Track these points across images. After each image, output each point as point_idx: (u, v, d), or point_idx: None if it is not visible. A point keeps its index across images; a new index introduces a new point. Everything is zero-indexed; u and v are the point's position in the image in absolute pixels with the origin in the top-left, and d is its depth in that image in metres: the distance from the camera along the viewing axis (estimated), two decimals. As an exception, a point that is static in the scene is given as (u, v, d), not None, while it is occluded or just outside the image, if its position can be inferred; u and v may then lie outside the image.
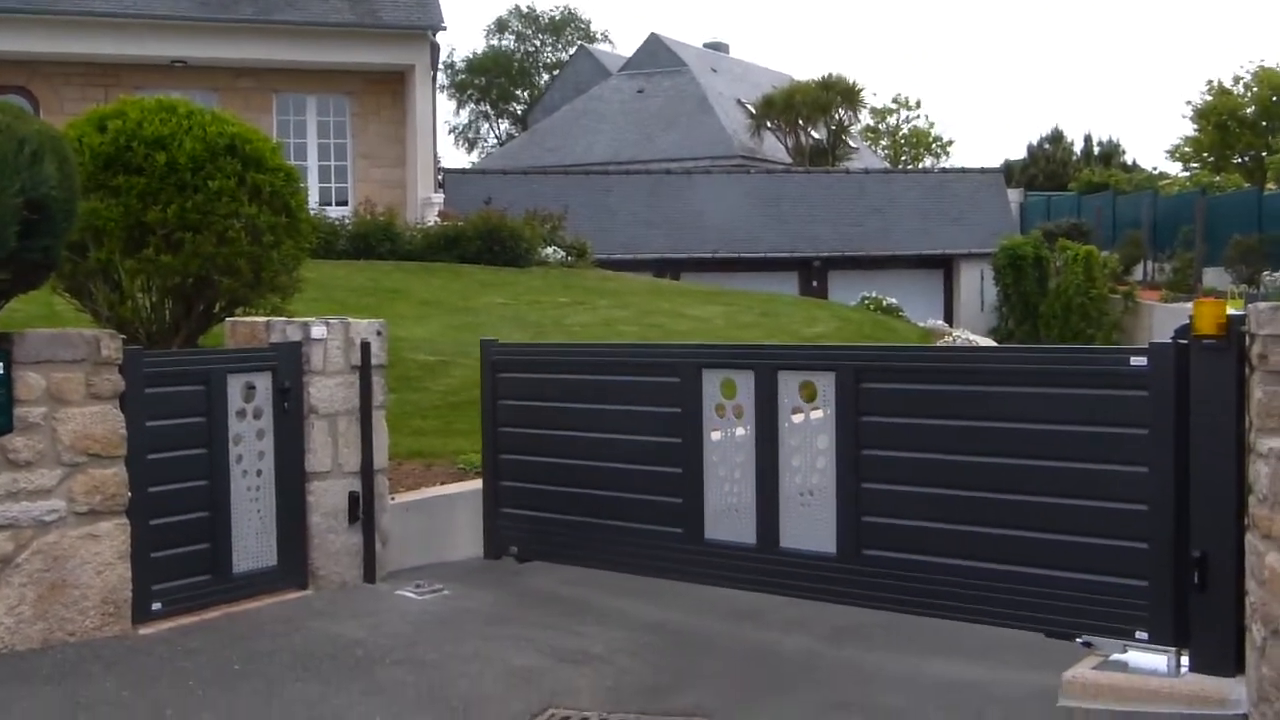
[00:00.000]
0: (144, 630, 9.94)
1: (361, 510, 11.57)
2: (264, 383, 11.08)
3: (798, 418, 10.40)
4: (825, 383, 10.14)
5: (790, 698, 8.73)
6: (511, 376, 12.47)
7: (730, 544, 10.73)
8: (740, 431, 10.68)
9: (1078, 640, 8.90)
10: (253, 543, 10.96)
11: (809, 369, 10.40)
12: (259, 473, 11.03)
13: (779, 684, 9.04)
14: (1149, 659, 8.52)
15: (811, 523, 10.22)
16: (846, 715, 8.32)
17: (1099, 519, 8.79)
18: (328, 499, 11.42)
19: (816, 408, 10.27)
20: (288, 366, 11.20)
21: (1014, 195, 53.19)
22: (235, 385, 10.86)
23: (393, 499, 12.17)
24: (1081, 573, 8.85)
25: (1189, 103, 72.87)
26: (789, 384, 10.39)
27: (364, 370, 11.62)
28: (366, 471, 11.65)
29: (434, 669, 9.21)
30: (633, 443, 11.41)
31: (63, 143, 10.56)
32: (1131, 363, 8.64)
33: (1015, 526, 9.20)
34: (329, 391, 11.43)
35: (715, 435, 10.86)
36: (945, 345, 22.50)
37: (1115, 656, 8.69)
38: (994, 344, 29.47)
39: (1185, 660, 8.38)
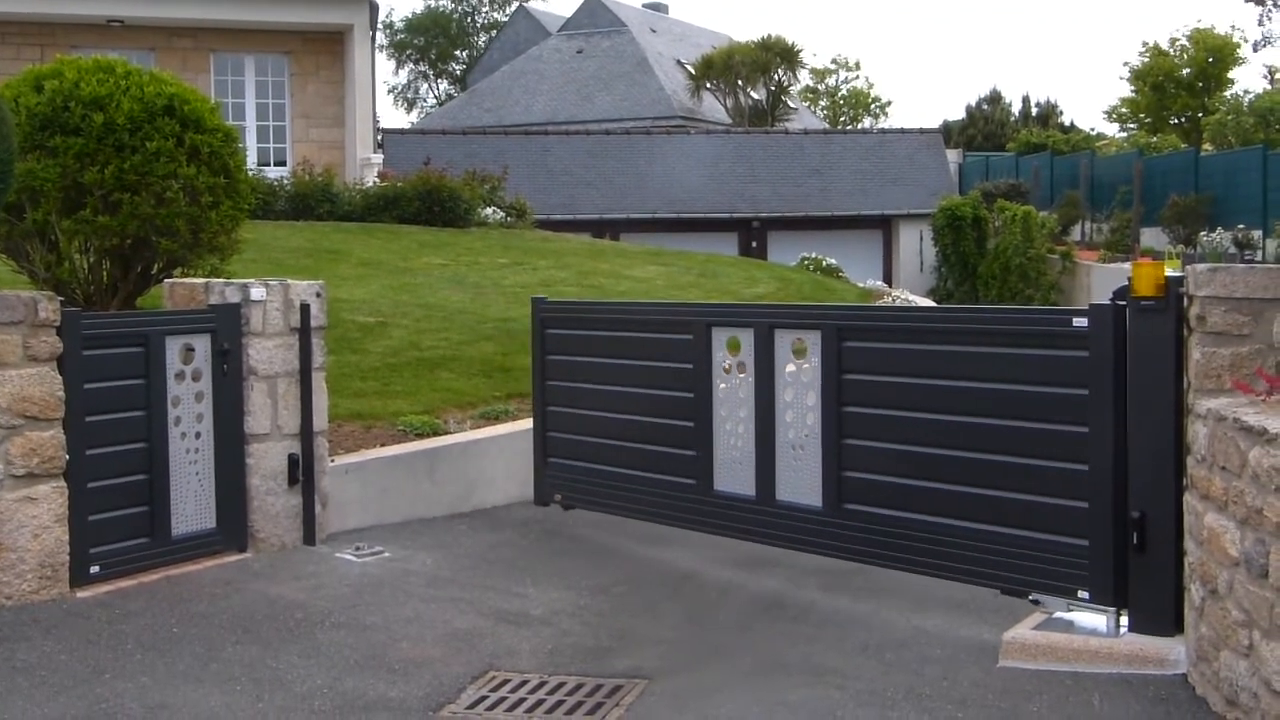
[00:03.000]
0: (82, 594, 9.88)
1: (301, 472, 11.55)
2: (203, 344, 11.01)
3: (790, 371, 10.55)
4: (813, 341, 10.31)
5: (730, 659, 8.76)
6: (556, 332, 12.74)
7: (735, 495, 10.94)
8: (743, 388, 10.87)
9: (1029, 598, 8.96)
10: (191, 505, 10.91)
11: (800, 327, 10.57)
12: (198, 435, 10.97)
13: (720, 645, 9.06)
14: (1090, 619, 8.58)
15: (802, 477, 10.40)
16: (784, 676, 8.34)
17: (1045, 478, 8.84)
18: (267, 461, 11.38)
19: (806, 364, 10.42)
20: (227, 328, 11.14)
21: (952, 156, 53.28)
22: (174, 347, 10.79)
23: (333, 461, 12.14)
24: (1029, 531, 8.92)
25: (1126, 64, 73.25)
26: (784, 342, 10.59)
27: (303, 332, 11.57)
28: (306, 433, 11.61)
29: (374, 631, 9.21)
30: (655, 397, 11.67)
31: (-2, 102, 10.47)
32: (1074, 323, 8.68)
33: (970, 484, 9.27)
34: (268, 353, 11.38)
35: (722, 391, 11.08)
36: (885, 305, 22.55)
37: (1058, 615, 8.75)
38: (933, 304, 29.54)
39: (1125, 620, 8.44)
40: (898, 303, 24.69)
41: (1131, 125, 70.02)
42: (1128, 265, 9.47)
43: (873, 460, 9.92)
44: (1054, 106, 77.04)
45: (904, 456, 9.71)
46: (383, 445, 13.00)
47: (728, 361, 11.06)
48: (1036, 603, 8.91)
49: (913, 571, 9.72)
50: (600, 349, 12.29)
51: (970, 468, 9.27)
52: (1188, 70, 66.18)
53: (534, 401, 13.03)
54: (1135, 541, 8.28)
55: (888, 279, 41.12)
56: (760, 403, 10.67)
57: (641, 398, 11.78)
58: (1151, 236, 39.60)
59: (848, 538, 10.06)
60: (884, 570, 10.09)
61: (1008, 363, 9.07)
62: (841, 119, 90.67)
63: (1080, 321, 8.63)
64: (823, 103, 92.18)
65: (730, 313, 12.07)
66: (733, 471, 10.96)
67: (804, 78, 77.61)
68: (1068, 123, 74.50)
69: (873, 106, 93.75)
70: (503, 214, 29.61)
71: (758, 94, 60.69)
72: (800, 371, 10.46)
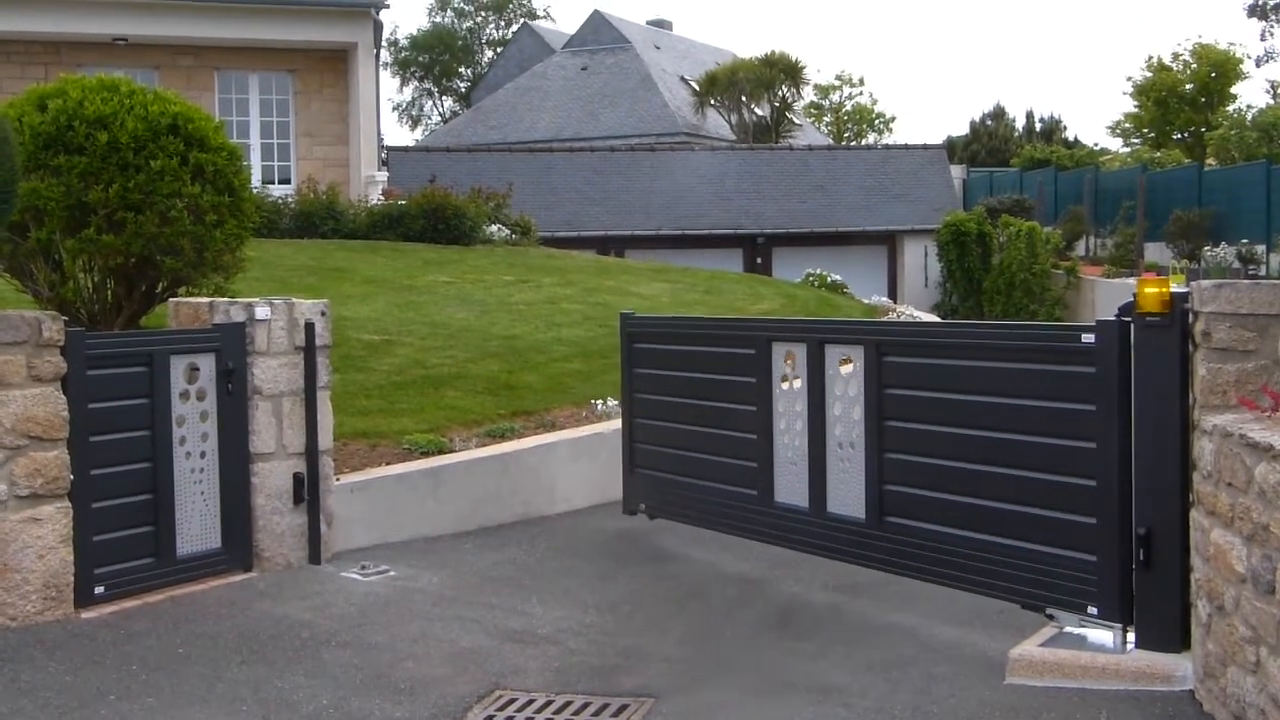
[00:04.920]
0: (87, 614, 9.87)
1: (306, 491, 11.53)
2: (207, 364, 11.01)
3: (839, 386, 10.63)
4: (856, 356, 10.44)
5: (737, 676, 8.74)
6: (642, 347, 12.99)
7: (792, 507, 11.06)
8: (798, 402, 10.99)
9: (1045, 613, 8.96)
10: (196, 525, 10.90)
11: (846, 342, 10.70)
12: (203, 454, 10.97)
13: (728, 662, 9.05)
14: (1098, 635, 8.58)
15: (849, 489, 10.51)
16: (791, 695, 8.32)
17: (1057, 493, 8.87)
18: (272, 480, 11.37)
19: (852, 379, 10.51)
20: (231, 347, 11.14)
21: (957, 171, 53.28)
22: (178, 366, 10.78)
23: (338, 480, 12.12)
24: (1044, 546, 8.94)
25: (1129, 79, 72.81)
26: (833, 357, 10.71)
27: (308, 351, 11.57)
28: (311, 452, 11.60)
29: (380, 651, 9.19)
30: (723, 409, 11.84)
31: (2, 122, 10.47)
32: (1083, 339, 8.68)
33: (991, 498, 9.33)
34: (273, 372, 11.37)
35: (781, 405, 11.20)
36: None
37: (1068, 631, 8.75)
38: (938, 320, 29.52)
39: (1132, 636, 8.42)
40: (903, 319, 24.66)
41: (1135, 140, 69.93)
42: (1132, 281, 9.50)
43: (908, 473, 10.02)
44: (1058, 122, 77.16)
45: (935, 470, 9.79)
46: (388, 464, 12.99)
47: (785, 375, 11.19)
48: (1052, 618, 8.91)
49: (943, 584, 9.79)
50: (676, 363, 12.53)
51: (990, 482, 9.33)
52: (1191, 85, 66.11)
53: (622, 413, 13.33)
54: (1141, 558, 8.27)
55: (892, 295, 41.11)
56: (812, 416, 10.80)
57: (711, 410, 11.99)
58: (1155, 251, 39.57)
59: (887, 550, 10.15)
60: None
61: (1024, 378, 9.12)
62: (845, 135, 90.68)
63: (1088, 338, 8.62)
64: (827, 119, 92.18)
65: (786, 327, 12.34)
66: (790, 484, 11.08)
67: (808, 94, 77.47)
68: (1071, 138, 74.55)
69: (877, 122, 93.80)
70: (508, 231, 29.62)
71: (762, 110, 60.71)
72: (846, 385, 10.54)
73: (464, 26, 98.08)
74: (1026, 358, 9.12)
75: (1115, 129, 72.77)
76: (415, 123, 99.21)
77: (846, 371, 10.53)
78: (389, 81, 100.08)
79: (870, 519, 10.25)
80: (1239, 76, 65.74)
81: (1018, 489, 9.12)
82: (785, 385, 11.19)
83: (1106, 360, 8.49)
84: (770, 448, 11.24)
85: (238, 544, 11.16)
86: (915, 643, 9.25)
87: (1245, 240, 35.47)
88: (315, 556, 11.58)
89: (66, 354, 9.84)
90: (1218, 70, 65.04)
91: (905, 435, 10.02)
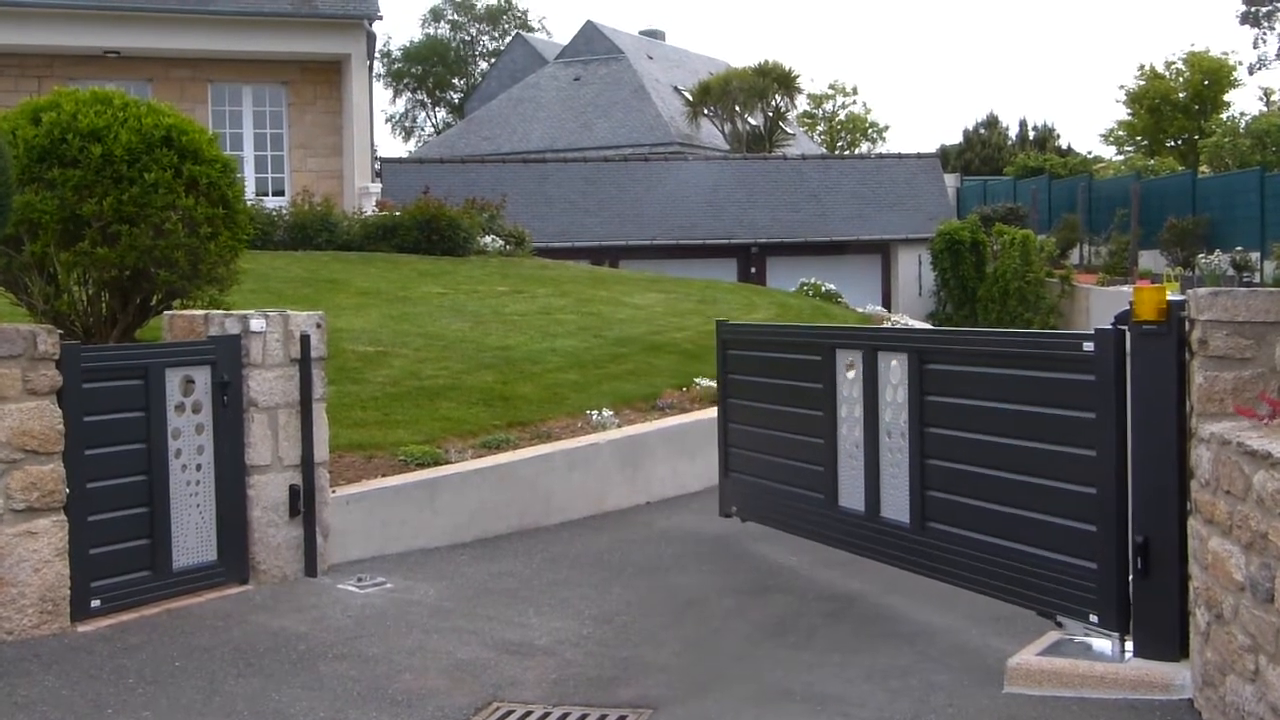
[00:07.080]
0: (83, 628, 9.84)
1: (302, 504, 11.52)
2: (203, 376, 11.00)
3: (889, 392, 10.70)
4: (901, 363, 10.51)
5: (735, 686, 8.72)
6: (734, 354, 13.24)
7: (853, 511, 11.18)
8: (857, 408, 11.10)
9: (1055, 619, 8.97)
10: (192, 538, 10.88)
11: (895, 350, 10.76)
12: (198, 467, 10.94)
13: (725, 672, 9.03)
14: (1097, 643, 8.56)
15: (898, 495, 10.59)
16: (789, 704, 8.31)
17: (1063, 501, 8.87)
18: (268, 493, 11.35)
19: (901, 386, 10.56)
20: (227, 360, 11.12)
21: (950, 180, 53.29)
22: (174, 379, 10.77)
23: (334, 492, 12.11)
24: (1052, 553, 8.95)
25: (1122, 87, 73.44)
26: (885, 364, 10.76)
27: (303, 363, 11.55)
28: (307, 465, 11.59)
29: (377, 663, 9.17)
30: (797, 415, 12.00)
31: (-5, 136, 10.45)
32: (1084, 347, 8.68)
33: (1008, 504, 9.35)
34: (268, 384, 11.36)
35: (843, 410, 11.31)
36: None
37: (1068, 639, 8.75)
38: (931, 328, 29.51)
39: (1131, 644, 8.41)
40: (897, 328, 24.65)
41: (1128, 148, 70.14)
42: (1126, 288, 9.52)
43: (942, 479, 10.08)
44: (1051, 130, 77.16)
45: (963, 476, 9.85)
46: (384, 476, 12.98)
47: (847, 381, 11.26)
48: (1060, 625, 8.91)
49: (968, 589, 9.84)
50: (758, 369, 12.75)
51: (1007, 488, 9.38)
52: (1184, 93, 66.29)
53: (718, 418, 13.60)
54: (1139, 566, 8.25)
55: (886, 303, 41.06)
56: (868, 421, 10.90)
57: (787, 415, 12.16)
58: (1150, 259, 39.60)
59: (925, 554, 10.24)
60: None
61: (1033, 385, 9.15)
62: (839, 144, 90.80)
63: (1088, 345, 8.63)
64: (820, 128, 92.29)
65: (847, 334, 12.38)
66: (851, 488, 11.19)
67: (801, 103, 77.66)
68: (1065, 146, 74.63)
69: (870, 131, 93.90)
70: (501, 242, 29.63)
71: (755, 120, 60.74)
72: (895, 392, 10.62)
73: (457, 38, 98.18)
74: (1033, 365, 9.16)
75: (1109, 137, 73.04)
76: (408, 134, 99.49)
77: (896, 379, 10.58)
78: (382, 93, 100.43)
79: (913, 524, 10.33)
80: (1232, 84, 66.00)
81: (1029, 496, 9.15)
82: (847, 391, 11.26)
83: (1104, 368, 8.49)
84: (835, 452, 11.37)
85: (234, 557, 11.15)
86: (914, 650, 9.24)
87: (1240, 247, 35.53)
88: (311, 569, 11.56)
89: (62, 367, 9.83)
90: (1211, 77, 65.26)
91: (941, 441, 10.09)
